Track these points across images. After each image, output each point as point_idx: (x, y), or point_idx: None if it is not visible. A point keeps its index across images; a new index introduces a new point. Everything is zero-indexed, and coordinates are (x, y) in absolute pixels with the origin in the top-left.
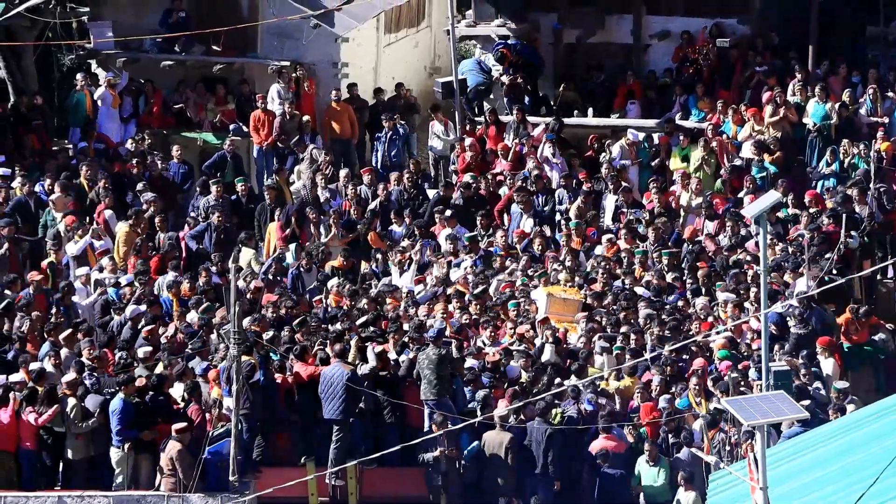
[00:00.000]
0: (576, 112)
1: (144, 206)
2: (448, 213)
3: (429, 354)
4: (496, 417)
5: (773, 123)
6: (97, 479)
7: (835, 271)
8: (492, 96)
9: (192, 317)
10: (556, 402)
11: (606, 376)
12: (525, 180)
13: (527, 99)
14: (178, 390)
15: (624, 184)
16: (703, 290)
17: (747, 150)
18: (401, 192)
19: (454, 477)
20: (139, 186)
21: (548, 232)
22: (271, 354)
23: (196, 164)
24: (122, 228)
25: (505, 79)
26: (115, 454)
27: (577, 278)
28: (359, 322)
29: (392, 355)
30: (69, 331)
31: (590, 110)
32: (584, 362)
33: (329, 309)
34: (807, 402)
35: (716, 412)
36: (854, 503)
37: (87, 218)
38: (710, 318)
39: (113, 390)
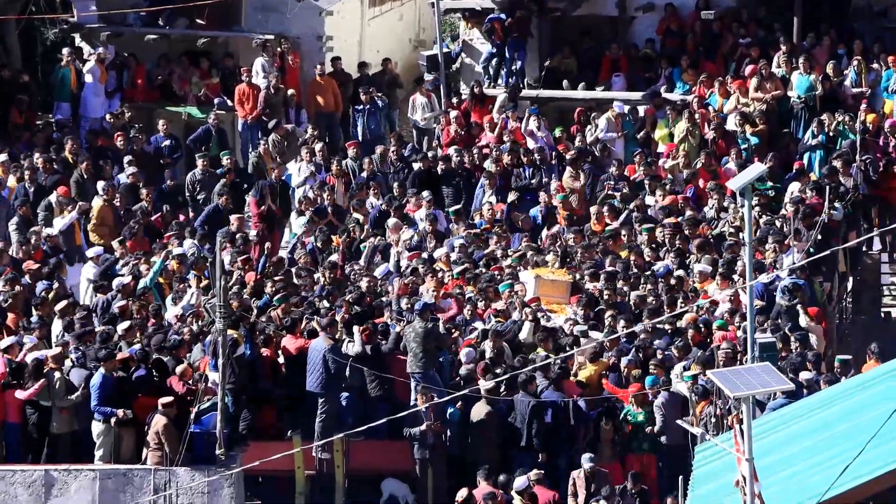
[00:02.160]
0: (564, 83)
1: (129, 180)
2: (426, 193)
3: (415, 328)
4: (482, 391)
5: (759, 98)
6: (82, 453)
7: (819, 239)
8: (477, 68)
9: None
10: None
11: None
12: (509, 153)
13: (518, 63)
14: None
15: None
16: (694, 261)
17: (732, 123)
18: (387, 165)
19: (440, 450)
20: (126, 160)
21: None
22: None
23: (181, 138)
24: (96, 203)
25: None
26: (96, 428)
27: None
28: (346, 299)
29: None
30: (64, 303)
31: (580, 86)
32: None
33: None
34: (809, 375)
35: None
36: (839, 474)
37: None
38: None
39: (96, 365)
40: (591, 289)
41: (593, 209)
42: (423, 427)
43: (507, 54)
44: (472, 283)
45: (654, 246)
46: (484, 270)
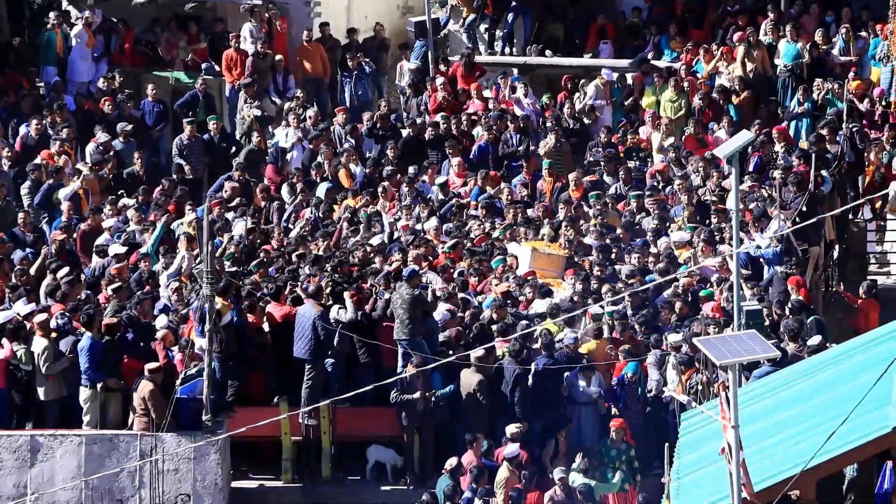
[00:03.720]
0: (548, 52)
1: (102, 148)
2: (411, 169)
3: (402, 294)
4: (472, 358)
5: (747, 69)
6: (69, 418)
7: (804, 209)
8: (464, 37)
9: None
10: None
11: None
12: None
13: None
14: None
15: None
16: (676, 228)
17: (716, 94)
18: (372, 128)
19: (427, 417)
20: (119, 126)
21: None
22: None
23: (168, 103)
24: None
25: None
26: (83, 393)
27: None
28: (327, 266)
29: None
30: (65, 269)
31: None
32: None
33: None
34: (818, 339)
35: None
36: (824, 441)
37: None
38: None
39: (82, 330)
40: (582, 262)
41: (571, 175)
42: (417, 395)
43: (509, 20)
44: (470, 257)
45: (643, 213)
46: (469, 244)
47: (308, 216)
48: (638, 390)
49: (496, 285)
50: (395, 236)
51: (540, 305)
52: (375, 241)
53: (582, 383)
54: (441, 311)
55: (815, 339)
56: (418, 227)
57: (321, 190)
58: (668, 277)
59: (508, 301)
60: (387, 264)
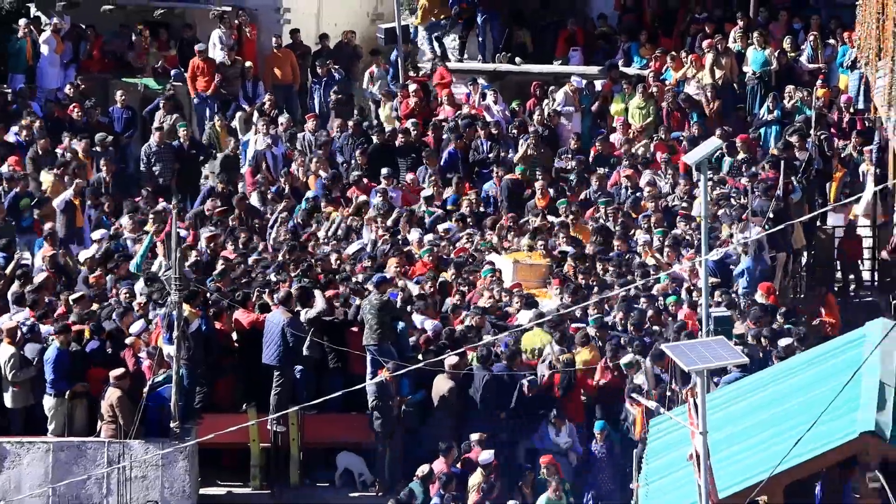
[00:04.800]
0: (517, 59)
1: (73, 154)
2: (385, 170)
3: (371, 300)
4: (446, 364)
5: (716, 76)
6: (35, 426)
7: (771, 216)
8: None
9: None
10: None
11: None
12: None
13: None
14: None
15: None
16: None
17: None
18: (346, 137)
19: (399, 424)
20: (98, 137)
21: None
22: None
23: (137, 110)
24: (47, 179)
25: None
26: (48, 402)
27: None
28: (293, 273)
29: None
30: (43, 275)
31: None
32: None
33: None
34: (788, 341)
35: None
36: (791, 447)
37: None
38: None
39: (51, 338)
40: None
41: (538, 184)
42: (396, 401)
43: (479, 25)
44: (456, 270)
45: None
46: (453, 256)
47: (290, 224)
48: (609, 447)
49: (480, 296)
50: (376, 245)
51: (525, 317)
52: (352, 249)
53: (551, 433)
54: (432, 323)
55: (786, 341)
56: (399, 237)
57: (307, 197)
58: (642, 281)
59: (497, 313)
60: (359, 272)
